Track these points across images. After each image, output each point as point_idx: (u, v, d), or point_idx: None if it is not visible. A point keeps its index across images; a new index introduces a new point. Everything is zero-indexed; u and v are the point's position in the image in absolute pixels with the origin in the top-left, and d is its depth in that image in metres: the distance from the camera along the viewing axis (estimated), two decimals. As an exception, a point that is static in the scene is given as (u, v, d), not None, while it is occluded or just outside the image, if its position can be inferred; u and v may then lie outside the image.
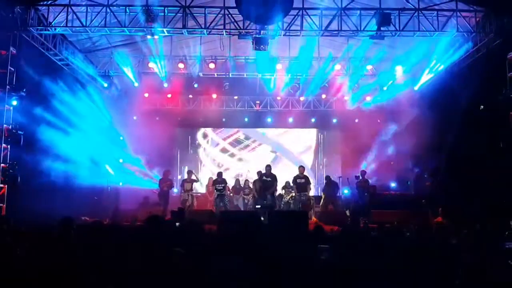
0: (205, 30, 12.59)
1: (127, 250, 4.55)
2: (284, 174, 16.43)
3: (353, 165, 18.06)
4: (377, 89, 17.23)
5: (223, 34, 13.10)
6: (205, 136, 20.66)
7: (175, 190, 16.04)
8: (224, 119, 19.86)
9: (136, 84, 16.49)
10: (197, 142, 20.63)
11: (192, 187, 15.47)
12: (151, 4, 12.04)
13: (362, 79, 16.64)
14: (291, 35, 13.43)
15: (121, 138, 18.66)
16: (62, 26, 12.59)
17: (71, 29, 12.83)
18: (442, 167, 14.55)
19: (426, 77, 15.54)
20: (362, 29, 12.46)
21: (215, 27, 12.52)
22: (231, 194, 16.11)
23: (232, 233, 6.24)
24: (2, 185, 11.53)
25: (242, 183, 16.65)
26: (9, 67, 11.68)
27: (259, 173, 15.23)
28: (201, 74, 16.37)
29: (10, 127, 11.70)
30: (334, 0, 12.27)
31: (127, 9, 12.36)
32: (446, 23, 12.47)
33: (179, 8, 12.30)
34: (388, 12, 11.93)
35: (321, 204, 15.82)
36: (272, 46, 13.50)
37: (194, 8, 12.38)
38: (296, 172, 15.33)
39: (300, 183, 14.80)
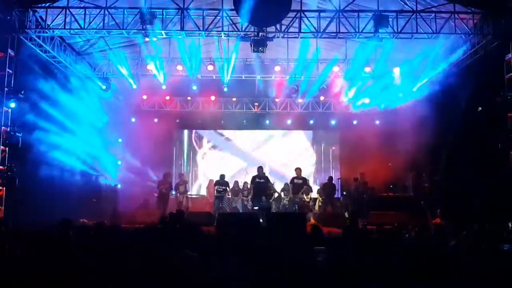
0: (203, 32, 12.60)
1: (128, 252, 4.55)
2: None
3: (351, 167, 18.08)
4: (375, 90, 17.22)
5: (221, 36, 13.09)
6: (202, 138, 20.65)
7: (173, 192, 16.03)
8: (222, 121, 19.86)
9: (134, 86, 16.48)
10: (195, 143, 20.60)
11: (185, 189, 15.47)
12: (149, 6, 12.05)
13: (361, 81, 16.62)
14: (289, 37, 13.45)
15: (120, 140, 18.68)
16: (60, 29, 12.59)
17: (69, 31, 12.84)
18: (441, 168, 14.58)
19: (424, 78, 15.55)
20: (360, 31, 12.47)
21: (213, 29, 12.53)
22: (230, 196, 16.10)
23: (230, 235, 6.24)
24: (0, 188, 11.50)
25: (241, 185, 16.65)
26: (7, 69, 11.68)
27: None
28: (199, 76, 16.37)
29: (8, 129, 11.69)
30: (332, 2, 12.27)
31: (125, 11, 12.35)
32: (443, 25, 12.48)
33: (177, 10, 12.30)
34: (386, 14, 11.94)
35: (317, 205, 15.84)
36: (270, 48, 13.51)
37: (192, 10, 12.37)
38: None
39: (297, 184, 14.82)
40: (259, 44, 12.62)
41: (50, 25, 12.55)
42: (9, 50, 11.78)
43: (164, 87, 16.50)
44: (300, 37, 13.14)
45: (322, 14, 12.45)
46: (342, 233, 5.03)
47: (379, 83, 16.62)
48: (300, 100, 18.95)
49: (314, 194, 16.53)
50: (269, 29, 12.64)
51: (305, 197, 15.65)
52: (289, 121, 19.75)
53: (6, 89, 11.61)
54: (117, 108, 18.15)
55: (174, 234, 5.05)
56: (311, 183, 16.92)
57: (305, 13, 12.37)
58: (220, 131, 20.48)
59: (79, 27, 12.41)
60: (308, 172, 19.47)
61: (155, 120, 19.37)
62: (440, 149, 14.44)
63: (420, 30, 12.43)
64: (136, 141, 17.63)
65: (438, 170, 14.93)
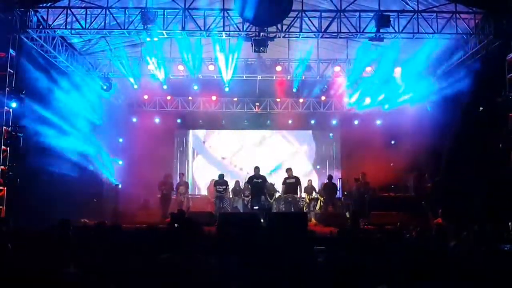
0: (204, 32, 12.60)
1: (129, 252, 4.55)
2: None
3: (352, 167, 18.08)
4: (376, 91, 17.21)
5: (222, 36, 13.10)
6: (203, 137, 20.65)
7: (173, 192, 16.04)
8: (223, 121, 19.87)
9: (135, 86, 16.49)
10: (195, 143, 20.61)
11: (186, 189, 15.46)
12: (150, 6, 12.06)
13: (362, 81, 16.61)
14: (291, 37, 13.46)
15: (120, 140, 18.69)
16: (62, 28, 12.61)
17: (71, 31, 12.85)
18: (441, 168, 14.57)
19: (425, 79, 15.55)
20: (361, 31, 12.46)
21: (215, 29, 12.53)
22: (231, 196, 16.11)
23: (231, 235, 6.25)
24: (1, 187, 11.50)
25: (242, 185, 16.65)
26: (8, 69, 11.66)
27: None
28: (200, 76, 16.38)
29: (10, 129, 11.69)
30: (333, 2, 12.26)
31: (126, 11, 12.36)
32: (445, 25, 12.47)
33: (178, 10, 12.30)
34: (387, 14, 11.93)
35: (319, 205, 15.85)
36: (271, 48, 13.51)
37: (193, 10, 12.38)
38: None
39: (290, 183, 14.86)
40: (260, 44, 12.63)
41: (52, 25, 12.55)
42: (10, 50, 11.77)
43: (165, 87, 16.51)
44: (301, 37, 13.14)
45: (323, 14, 12.44)
46: (337, 233, 5.02)
47: (380, 83, 16.60)
48: (301, 100, 18.97)
49: (315, 194, 16.55)
50: (270, 29, 12.64)
51: (307, 197, 15.68)
52: (290, 121, 19.74)
53: (7, 89, 11.60)
54: (118, 108, 18.18)
55: (177, 234, 5.05)
56: (312, 183, 16.86)
57: (306, 13, 12.37)
58: (221, 131, 20.47)
59: (80, 27, 12.42)
60: (308, 172, 19.49)
61: (156, 120, 19.40)
62: (441, 149, 14.42)
63: (422, 30, 12.42)
64: (137, 141, 17.63)
65: (439, 171, 14.92)
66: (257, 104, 19.42)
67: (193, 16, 12.37)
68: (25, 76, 11.99)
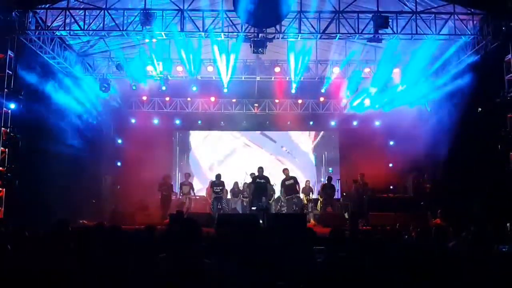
0: (203, 33, 12.61)
1: (128, 253, 4.55)
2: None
3: (351, 167, 18.09)
4: (375, 92, 17.21)
5: (221, 37, 13.10)
6: (201, 139, 20.66)
7: (177, 191, 16.01)
8: (222, 122, 19.88)
9: (134, 87, 16.49)
10: (194, 144, 20.61)
11: (190, 190, 15.43)
12: (149, 8, 12.06)
13: (360, 82, 16.62)
14: (289, 38, 13.46)
15: (119, 141, 18.69)
16: (60, 30, 12.60)
17: (69, 33, 12.84)
18: (441, 169, 14.58)
19: (424, 79, 15.57)
20: (360, 32, 12.47)
21: (213, 30, 12.53)
22: (229, 197, 16.09)
23: (230, 236, 6.24)
24: (0, 188, 11.50)
25: (240, 186, 16.64)
26: (7, 70, 11.67)
27: (252, 174, 15.21)
28: (199, 77, 16.39)
29: (8, 130, 11.68)
30: (332, 3, 12.28)
31: (125, 13, 12.38)
32: (443, 26, 12.49)
33: (177, 12, 12.31)
34: (386, 15, 11.94)
35: (319, 206, 15.83)
36: (270, 49, 13.52)
37: (192, 11, 12.38)
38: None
39: (289, 184, 14.84)
40: (259, 45, 12.65)
41: (50, 26, 12.55)
42: (9, 51, 11.77)
43: (164, 88, 16.50)
44: (300, 38, 13.15)
45: (321, 15, 12.45)
46: (329, 233, 5.02)
47: (378, 84, 16.61)
48: (300, 101, 18.98)
49: (313, 195, 16.55)
50: (268, 30, 12.64)
51: (305, 198, 15.67)
52: (289, 122, 19.74)
53: (6, 90, 11.61)
54: (117, 109, 18.17)
55: (176, 235, 5.03)
56: (310, 184, 16.86)
57: (305, 13, 12.38)
58: (219, 132, 20.47)
59: (79, 29, 12.43)
60: (307, 173, 19.49)
61: (155, 121, 19.41)
62: (440, 150, 14.42)
63: (420, 31, 12.43)
64: (135, 142, 17.61)
65: (438, 171, 14.94)
66: (256, 105, 19.43)
67: (192, 17, 12.39)
68: (23, 77, 11.98)
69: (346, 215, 14.62)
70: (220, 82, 16.13)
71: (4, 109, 11.65)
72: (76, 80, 15.31)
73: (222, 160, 20.27)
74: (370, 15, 12.09)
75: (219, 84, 16.48)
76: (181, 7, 12.29)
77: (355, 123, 19.30)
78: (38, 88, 12.60)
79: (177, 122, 19.77)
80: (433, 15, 12.54)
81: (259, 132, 20.52)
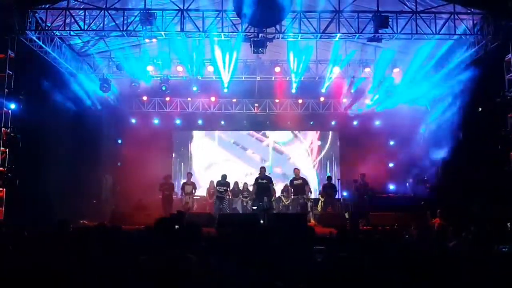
0: (203, 33, 12.61)
1: (128, 253, 4.55)
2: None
3: (352, 167, 18.10)
4: (375, 91, 17.22)
5: (221, 37, 13.10)
6: (202, 139, 20.66)
7: (176, 191, 16.00)
8: (222, 122, 19.87)
9: (134, 87, 16.48)
10: (194, 144, 20.61)
11: (192, 189, 15.42)
12: (149, 8, 12.07)
13: (361, 82, 16.61)
14: (289, 38, 13.45)
15: (119, 141, 18.69)
16: (60, 30, 12.59)
17: (69, 33, 12.84)
18: (441, 169, 14.58)
19: (424, 79, 15.57)
20: (360, 32, 12.48)
21: (213, 30, 12.53)
22: (230, 197, 16.10)
23: (231, 236, 6.24)
24: (1, 189, 11.50)
25: (241, 186, 16.64)
26: (7, 70, 11.66)
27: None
28: (199, 77, 16.39)
29: (9, 130, 11.68)
30: (332, 2, 12.28)
31: (124, 13, 12.38)
32: (443, 26, 12.49)
33: (176, 11, 12.31)
34: (386, 14, 11.94)
35: (320, 206, 15.83)
36: (270, 49, 13.52)
37: (192, 11, 12.38)
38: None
39: (297, 184, 14.82)
40: (259, 45, 12.65)
41: (50, 27, 12.55)
42: (9, 51, 11.76)
43: (164, 88, 16.49)
44: (300, 38, 13.15)
45: (321, 14, 12.45)
46: (336, 234, 5.02)
47: (379, 83, 16.61)
48: (300, 101, 18.98)
49: (313, 195, 16.55)
50: (268, 30, 12.64)
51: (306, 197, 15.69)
52: (289, 122, 19.74)
53: (6, 90, 11.60)
54: (117, 109, 18.17)
55: (174, 235, 5.04)
56: (311, 184, 16.87)
57: (305, 13, 12.38)
58: (220, 132, 20.47)
59: (79, 29, 12.43)
60: (308, 173, 19.48)
61: (155, 121, 19.40)
62: (441, 149, 14.44)
63: (420, 31, 12.43)
64: (136, 142, 17.62)
65: (438, 171, 14.94)
66: (256, 105, 19.42)
67: (192, 17, 12.38)
68: (23, 77, 11.98)
69: (347, 215, 14.61)
70: (220, 82, 16.13)
71: (4, 109, 11.65)
72: (76, 80, 15.31)
73: (222, 160, 20.28)
74: (370, 15, 12.09)
75: (219, 84, 16.49)
76: (181, 7, 12.29)
77: (355, 123, 19.29)
78: (38, 88, 12.59)
79: (177, 122, 19.76)
80: (433, 14, 12.53)
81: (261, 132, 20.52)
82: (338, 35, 12.70)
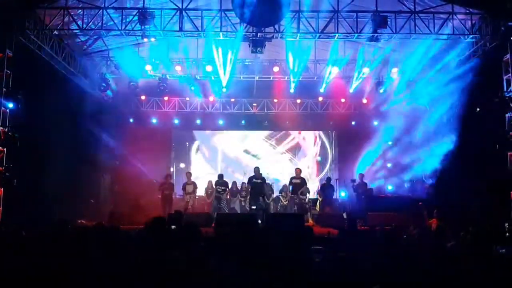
0: (201, 32, 12.61)
1: (127, 253, 4.55)
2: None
3: (350, 167, 18.12)
4: (373, 91, 17.24)
5: (219, 37, 13.10)
6: (200, 139, 20.65)
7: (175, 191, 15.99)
8: (221, 122, 19.85)
9: (133, 84, 16.46)
10: (193, 144, 20.59)
11: (193, 189, 15.41)
12: (147, 7, 12.06)
13: (359, 81, 16.63)
14: (288, 38, 13.46)
15: (118, 140, 18.66)
16: (59, 29, 12.59)
17: (68, 32, 12.82)
18: (439, 169, 14.60)
19: (422, 79, 15.59)
20: (358, 31, 12.48)
21: (212, 30, 12.53)
22: (228, 197, 16.09)
23: (229, 236, 6.24)
24: (-1, 188, 11.49)
25: (239, 186, 16.62)
26: (5, 69, 11.63)
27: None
28: (198, 77, 16.38)
29: (7, 129, 11.66)
30: (330, 2, 12.28)
31: (123, 12, 12.37)
32: (442, 26, 12.51)
33: (175, 11, 12.31)
34: (385, 14, 11.96)
35: (318, 206, 15.83)
36: (268, 49, 13.53)
37: (190, 11, 12.38)
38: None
39: (296, 183, 14.84)
40: (257, 45, 12.65)
41: (49, 26, 12.53)
42: (7, 51, 11.72)
43: (163, 87, 16.48)
44: (299, 38, 13.16)
45: (320, 14, 12.46)
46: (338, 234, 5.02)
47: (377, 83, 16.62)
48: (298, 101, 18.98)
49: (312, 195, 16.56)
50: (267, 29, 12.64)
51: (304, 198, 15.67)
52: (287, 122, 19.74)
53: (4, 89, 11.58)
54: (115, 108, 18.15)
55: (169, 235, 5.04)
56: (309, 184, 16.86)
57: (304, 13, 12.38)
58: (218, 131, 20.46)
59: (77, 28, 12.42)
60: (306, 173, 19.48)
61: (154, 120, 19.38)
62: (438, 149, 14.46)
63: (419, 30, 12.45)
64: (134, 142, 17.60)
65: (436, 171, 14.96)
66: (255, 104, 19.41)
67: (190, 17, 12.38)
68: (22, 76, 11.95)
69: (345, 215, 14.61)
70: (219, 81, 16.13)
71: (3, 108, 11.62)
72: (75, 79, 15.28)
73: (222, 159, 20.29)
74: (369, 15, 12.11)
75: (218, 84, 16.48)
76: (180, 7, 12.29)
77: (353, 123, 19.30)
78: (37, 88, 12.55)
79: (176, 121, 19.73)
80: (432, 15, 12.56)
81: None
82: (337, 35, 12.71)
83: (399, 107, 17.32)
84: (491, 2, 11.99)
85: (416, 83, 15.88)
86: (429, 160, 15.50)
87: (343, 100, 18.77)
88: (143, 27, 12.02)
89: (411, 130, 16.78)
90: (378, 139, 18.11)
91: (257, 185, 14.17)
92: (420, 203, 14.19)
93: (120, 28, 12.42)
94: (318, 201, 16.02)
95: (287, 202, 15.88)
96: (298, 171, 15.25)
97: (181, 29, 12.45)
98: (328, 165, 20.25)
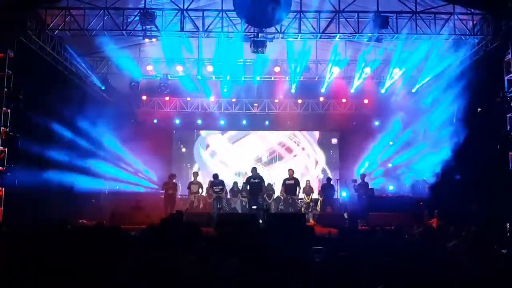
0: (203, 33, 12.61)
1: (127, 252, 4.55)
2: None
3: (351, 167, 18.11)
4: (374, 91, 17.23)
5: (221, 37, 13.09)
6: (201, 138, 20.64)
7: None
8: (222, 122, 19.86)
9: (133, 86, 16.46)
10: (194, 144, 20.60)
11: (198, 189, 15.41)
12: (149, 7, 12.06)
13: (360, 82, 16.62)
14: (289, 38, 13.45)
15: (119, 140, 18.66)
16: (60, 29, 12.58)
17: (69, 32, 12.83)
18: (440, 169, 14.57)
19: (423, 80, 15.57)
20: (360, 32, 12.48)
21: (213, 30, 12.53)
22: (229, 197, 16.10)
23: (229, 236, 6.24)
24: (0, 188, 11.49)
25: (240, 185, 16.61)
26: (6, 70, 11.63)
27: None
28: (199, 77, 16.38)
29: (8, 129, 11.66)
30: (331, 2, 12.27)
31: (124, 12, 12.37)
32: (443, 26, 12.50)
33: (177, 11, 12.31)
34: (386, 15, 11.95)
35: (319, 206, 15.82)
36: (270, 49, 13.52)
37: (192, 11, 12.38)
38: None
39: (289, 184, 14.85)
40: (258, 45, 12.63)
41: (50, 26, 12.53)
42: (9, 51, 11.72)
43: (163, 87, 16.48)
44: (300, 38, 13.15)
45: (321, 14, 12.45)
46: (338, 233, 5.03)
47: (378, 83, 16.61)
48: (299, 101, 18.98)
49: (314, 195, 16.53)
50: (268, 29, 12.64)
51: (306, 198, 15.67)
52: (288, 122, 19.74)
53: (5, 89, 11.58)
54: (116, 108, 18.14)
55: (173, 235, 5.04)
56: (310, 184, 16.82)
57: (305, 13, 12.38)
58: (219, 132, 20.46)
59: (79, 28, 12.42)
60: (307, 173, 19.49)
61: (155, 120, 19.38)
62: (440, 150, 14.44)
63: (420, 31, 12.44)
64: (135, 142, 17.60)
65: (437, 171, 14.94)
66: (256, 105, 19.42)
67: (192, 17, 12.37)
68: (23, 76, 11.95)
69: (346, 215, 14.60)
70: (220, 81, 16.13)
71: (4, 108, 11.62)
72: (76, 79, 15.29)
73: (222, 159, 20.30)
74: (370, 15, 12.10)
75: (219, 84, 16.48)
76: (181, 7, 12.28)
77: (354, 123, 19.29)
78: (38, 88, 12.56)
79: (177, 121, 19.74)
80: (433, 15, 12.55)
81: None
82: (338, 35, 12.70)
83: (400, 107, 17.32)
84: (492, 2, 11.97)
85: (417, 83, 15.83)
86: (430, 160, 15.48)
87: (344, 100, 18.78)
88: (144, 27, 12.02)
89: (413, 130, 16.76)
90: (379, 139, 18.10)
91: (255, 184, 14.23)
92: (421, 203, 14.20)
93: (121, 29, 12.42)
94: (319, 201, 16.02)
95: (283, 201, 15.78)
96: (291, 172, 15.28)
97: (182, 29, 12.44)
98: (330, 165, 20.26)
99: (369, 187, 15.45)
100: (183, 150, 20.44)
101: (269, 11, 11.23)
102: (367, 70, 15.89)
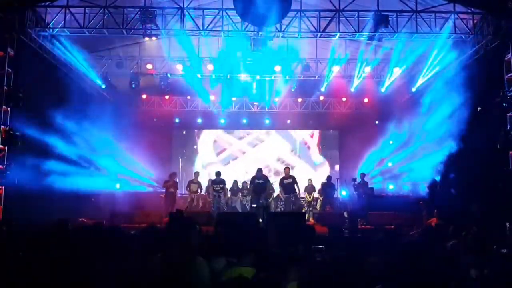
0: (203, 31, 12.60)
1: (127, 252, 4.54)
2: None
3: (351, 167, 18.10)
4: (374, 90, 17.23)
5: (221, 36, 13.09)
6: (201, 137, 20.65)
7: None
8: (222, 121, 19.85)
9: (133, 85, 16.46)
10: (195, 144, 20.60)
11: (198, 188, 15.42)
12: (149, 6, 12.05)
13: (360, 80, 16.62)
14: (289, 37, 13.45)
15: (119, 139, 18.65)
16: (60, 28, 12.58)
17: (69, 31, 12.82)
18: (440, 168, 14.57)
19: (423, 79, 15.56)
20: (360, 31, 12.47)
21: (213, 29, 12.53)
22: (229, 196, 16.10)
23: (229, 235, 6.24)
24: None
25: (240, 184, 16.63)
26: (6, 68, 11.63)
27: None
28: (199, 75, 16.37)
29: (8, 128, 11.66)
30: (332, 1, 12.27)
31: (124, 10, 12.36)
32: (443, 25, 12.50)
33: (177, 10, 12.30)
34: (386, 14, 11.95)
35: (319, 205, 15.84)
36: (269, 48, 13.52)
37: (192, 10, 12.38)
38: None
39: (287, 183, 14.85)
40: (259, 44, 12.64)
41: (50, 24, 12.53)
42: (9, 49, 11.72)
43: (163, 86, 16.47)
44: (300, 37, 13.15)
45: (322, 13, 12.46)
46: (328, 232, 5.03)
47: (378, 82, 16.60)
48: (299, 100, 18.99)
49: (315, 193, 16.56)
50: (268, 28, 12.63)
51: (308, 196, 15.69)
52: (288, 121, 19.74)
53: (5, 88, 11.58)
54: (116, 107, 18.13)
55: (173, 234, 5.03)
56: (312, 182, 16.81)
57: (305, 12, 12.38)
58: (219, 130, 20.46)
59: (78, 26, 12.41)
60: (307, 172, 19.49)
61: (154, 119, 19.36)
62: (439, 150, 14.43)
63: (420, 30, 12.44)
64: (135, 141, 17.59)
65: (436, 171, 14.94)
66: (256, 103, 19.40)
67: (192, 15, 12.38)
68: (23, 75, 11.94)
69: (345, 214, 14.61)
70: (220, 80, 16.12)
71: (4, 107, 11.62)
72: (76, 78, 15.27)
73: (222, 159, 20.30)
74: (371, 14, 12.10)
75: (219, 83, 16.48)
76: (181, 5, 12.28)
77: (354, 121, 19.29)
78: (38, 86, 12.55)
79: (177, 120, 19.73)
80: (433, 14, 12.55)
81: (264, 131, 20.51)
82: (338, 34, 12.70)
83: (400, 106, 17.31)
84: (492, 2, 11.96)
85: (417, 82, 15.82)
86: (430, 159, 15.47)
87: (344, 99, 18.78)
88: (144, 25, 12.02)
89: (413, 129, 16.74)
90: (379, 138, 18.09)
91: (259, 185, 14.21)
92: (421, 202, 14.19)
93: (121, 27, 12.42)
94: (319, 200, 16.03)
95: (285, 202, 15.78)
96: (287, 170, 15.29)
97: (182, 28, 12.44)
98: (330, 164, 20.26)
99: (369, 186, 15.45)
100: (183, 149, 20.45)
101: (269, 10, 11.22)
102: (367, 69, 15.90)
